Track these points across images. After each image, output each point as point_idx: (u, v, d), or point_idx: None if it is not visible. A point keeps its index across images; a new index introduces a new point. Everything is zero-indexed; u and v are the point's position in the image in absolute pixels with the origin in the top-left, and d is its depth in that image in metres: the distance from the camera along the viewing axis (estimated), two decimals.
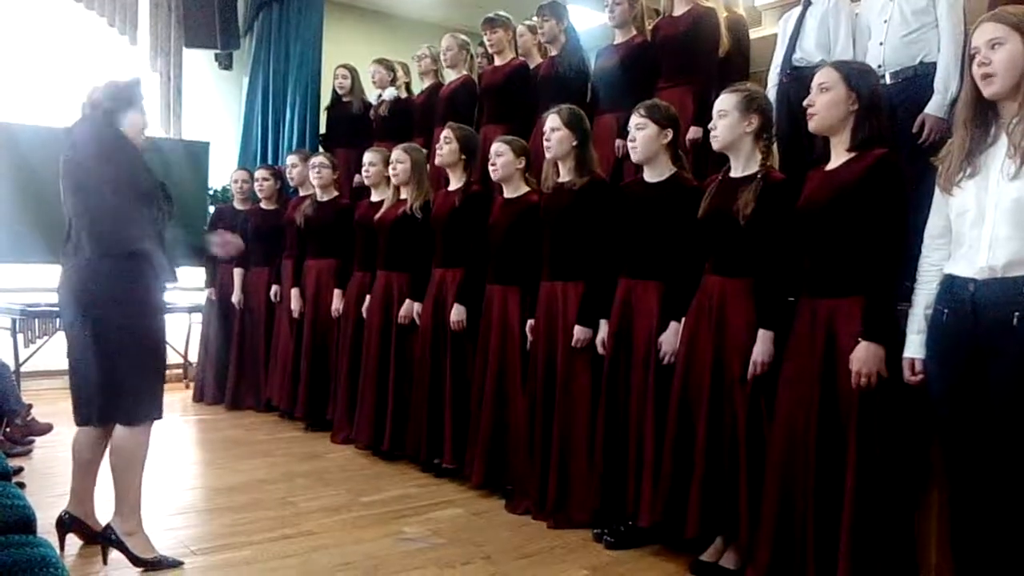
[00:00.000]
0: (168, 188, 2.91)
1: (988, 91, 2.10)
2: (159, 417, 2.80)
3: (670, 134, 3.06)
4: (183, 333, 6.48)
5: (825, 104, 2.51)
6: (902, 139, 2.99)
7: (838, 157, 2.54)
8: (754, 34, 4.14)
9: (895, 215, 2.39)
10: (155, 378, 2.80)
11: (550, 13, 4.29)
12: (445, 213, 3.99)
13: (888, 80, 3.13)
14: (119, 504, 2.73)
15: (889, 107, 2.79)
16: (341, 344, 4.77)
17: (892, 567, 2.39)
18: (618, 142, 3.88)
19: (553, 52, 4.38)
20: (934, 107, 3.04)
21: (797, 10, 3.58)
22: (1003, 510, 2.09)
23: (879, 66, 3.13)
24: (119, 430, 2.72)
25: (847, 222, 2.44)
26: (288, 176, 5.51)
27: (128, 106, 2.80)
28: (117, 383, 2.67)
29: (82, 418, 2.77)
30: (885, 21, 3.21)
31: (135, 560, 2.71)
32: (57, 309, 5.28)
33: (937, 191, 2.26)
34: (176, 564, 2.78)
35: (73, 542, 2.87)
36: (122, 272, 2.67)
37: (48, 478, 3.73)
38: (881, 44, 3.22)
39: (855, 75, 2.51)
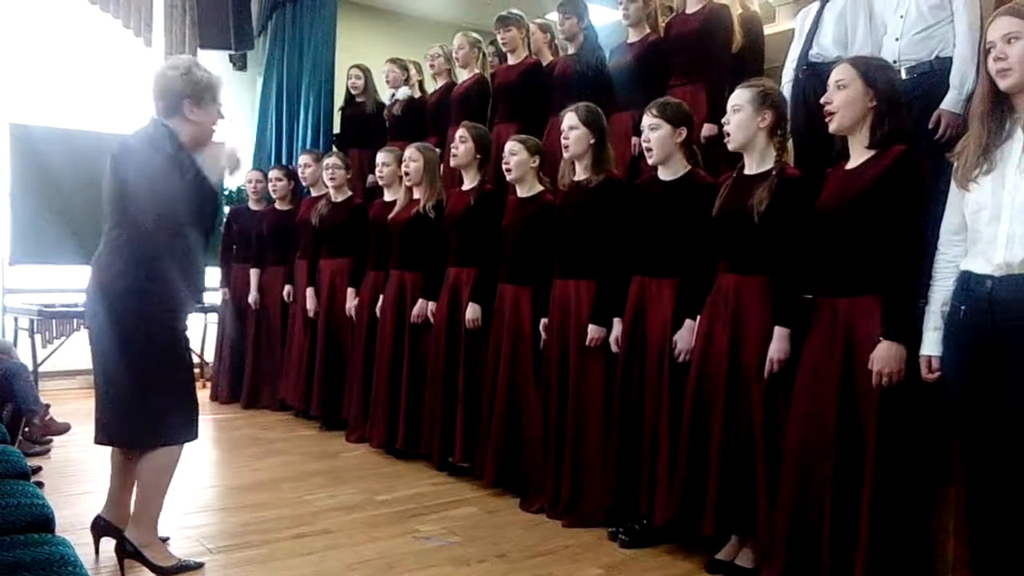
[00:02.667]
0: (217, 202, 2.82)
1: (1004, 84, 2.08)
2: (194, 438, 2.78)
3: (684, 132, 3.05)
4: (199, 333, 6.51)
5: (843, 102, 2.49)
6: (917, 135, 2.96)
7: (857, 155, 2.52)
8: (768, 30, 4.12)
9: (915, 214, 2.37)
10: (188, 396, 2.76)
11: (571, 10, 4.28)
12: (460, 212, 4.00)
13: (904, 75, 3.10)
14: (138, 516, 2.71)
15: (905, 103, 2.77)
16: (355, 343, 4.78)
17: (909, 565, 2.38)
18: (634, 140, 3.87)
19: (571, 50, 4.37)
20: (950, 103, 3.01)
21: (815, 5, 3.55)
22: (1020, 507, 2.07)
23: (894, 61, 3.10)
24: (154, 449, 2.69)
25: (867, 221, 2.42)
26: (300, 176, 5.53)
27: (188, 99, 2.65)
28: (154, 406, 2.64)
29: (105, 439, 2.74)
30: (901, 16, 3.19)
31: (157, 569, 2.70)
32: (74, 310, 5.38)
33: (953, 187, 2.25)
34: (197, 566, 2.78)
35: (107, 543, 2.87)
36: (156, 299, 2.62)
37: (66, 477, 3.76)
38: (897, 39, 3.19)
39: (873, 71, 2.49)
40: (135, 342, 2.60)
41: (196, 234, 2.71)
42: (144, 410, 2.64)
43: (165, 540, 2.91)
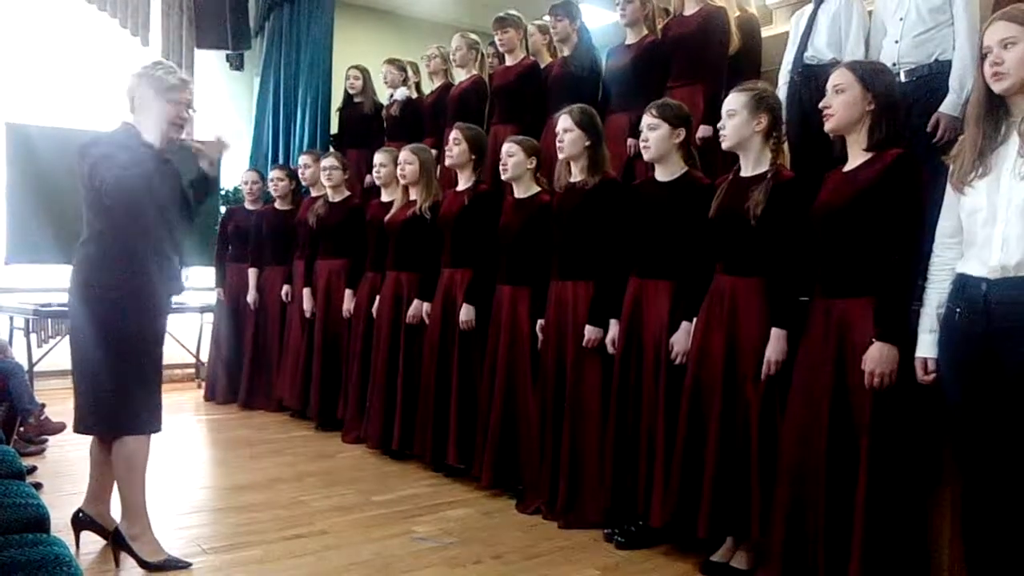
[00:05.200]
0: (188, 194, 2.90)
1: (999, 87, 2.09)
2: (159, 430, 2.79)
3: (682, 133, 3.05)
4: (195, 333, 6.50)
5: (841, 105, 2.50)
6: (916, 138, 2.97)
7: (855, 158, 2.53)
8: (765, 32, 4.12)
9: (910, 216, 2.37)
10: (156, 389, 2.79)
11: (563, 12, 4.28)
12: (454, 213, 4.00)
13: (903, 78, 3.11)
14: (124, 508, 2.75)
15: (904, 105, 2.78)
16: (352, 344, 4.78)
17: (904, 567, 2.38)
18: (630, 141, 3.87)
19: (565, 52, 4.37)
20: (949, 106, 3.01)
21: (809, 8, 3.56)
22: (1015, 509, 2.08)
23: (893, 64, 3.11)
24: (122, 438, 2.72)
25: (864, 223, 2.43)
26: (301, 176, 5.52)
27: (150, 94, 2.73)
28: (122, 394, 2.68)
29: (83, 428, 2.78)
30: (901, 19, 3.19)
31: (143, 563, 2.72)
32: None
33: (949, 190, 2.25)
34: (185, 565, 2.79)
35: (90, 540, 2.88)
36: (128, 288, 2.67)
37: (61, 477, 3.75)
38: (896, 42, 3.20)
39: (870, 75, 2.50)
40: (111, 335, 2.65)
41: (171, 225, 2.79)
42: (114, 399, 2.67)
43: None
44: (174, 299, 3.02)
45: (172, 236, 2.80)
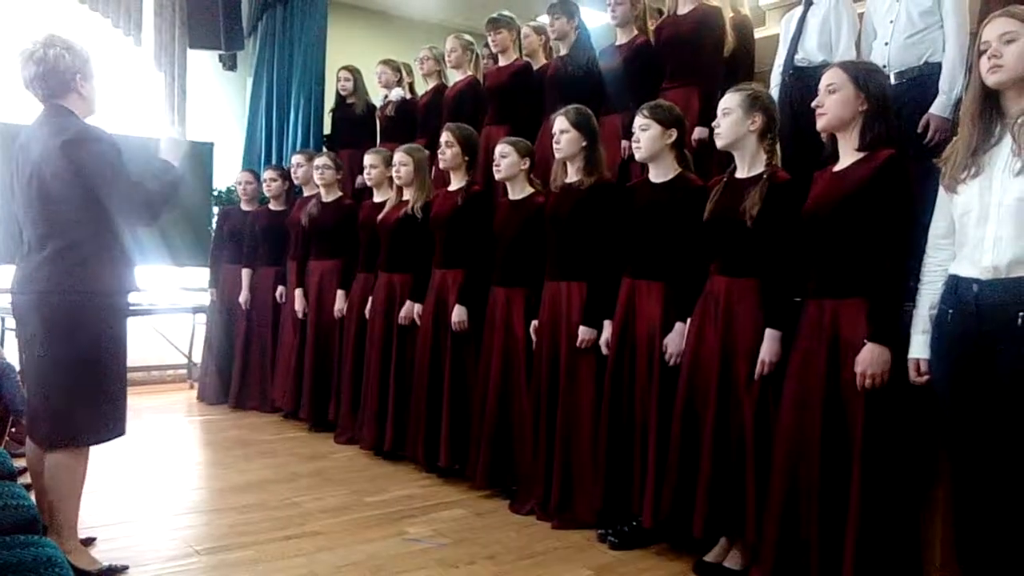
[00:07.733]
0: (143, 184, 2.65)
1: (992, 78, 2.09)
2: (123, 433, 2.66)
3: (674, 134, 3.06)
4: (187, 334, 6.48)
5: (833, 104, 2.50)
6: (907, 139, 2.98)
7: (846, 157, 2.54)
8: (758, 34, 4.14)
9: (903, 216, 2.38)
10: (101, 401, 2.60)
11: (561, 11, 4.27)
12: (447, 214, 3.99)
13: (893, 80, 3.13)
14: (56, 526, 2.57)
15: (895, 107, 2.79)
16: (344, 345, 4.77)
17: (897, 568, 2.39)
18: (623, 143, 3.87)
19: (563, 51, 4.36)
20: (939, 107, 3.03)
21: (799, 10, 3.58)
22: (1008, 510, 2.09)
23: (884, 66, 3.13)
24: (56, 452, 2.59)
25: (855, 224, 2.43)
26: (293, 176, 5.51)
27: (79, 75, 2.56)
28: (86, 402, 2.55)
29: (39, 438, 2.63)
30: (891, 22, 3.21)
31: (83, 574, 2.56)
32: None
33: (941, 191, 2.26)
34: (123, 569, 2.71)
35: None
36: (78, 300, 2.54)
37: None
38: (886, 44, 3.22)
39: (863, 75, 2.50)
40: (59, 342, 2.52)
41: (127, 222, 2.62)
42: (48, 409, 2.56)
43: (91, 541, 2.87)
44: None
45: (126, 240, 2.65)
